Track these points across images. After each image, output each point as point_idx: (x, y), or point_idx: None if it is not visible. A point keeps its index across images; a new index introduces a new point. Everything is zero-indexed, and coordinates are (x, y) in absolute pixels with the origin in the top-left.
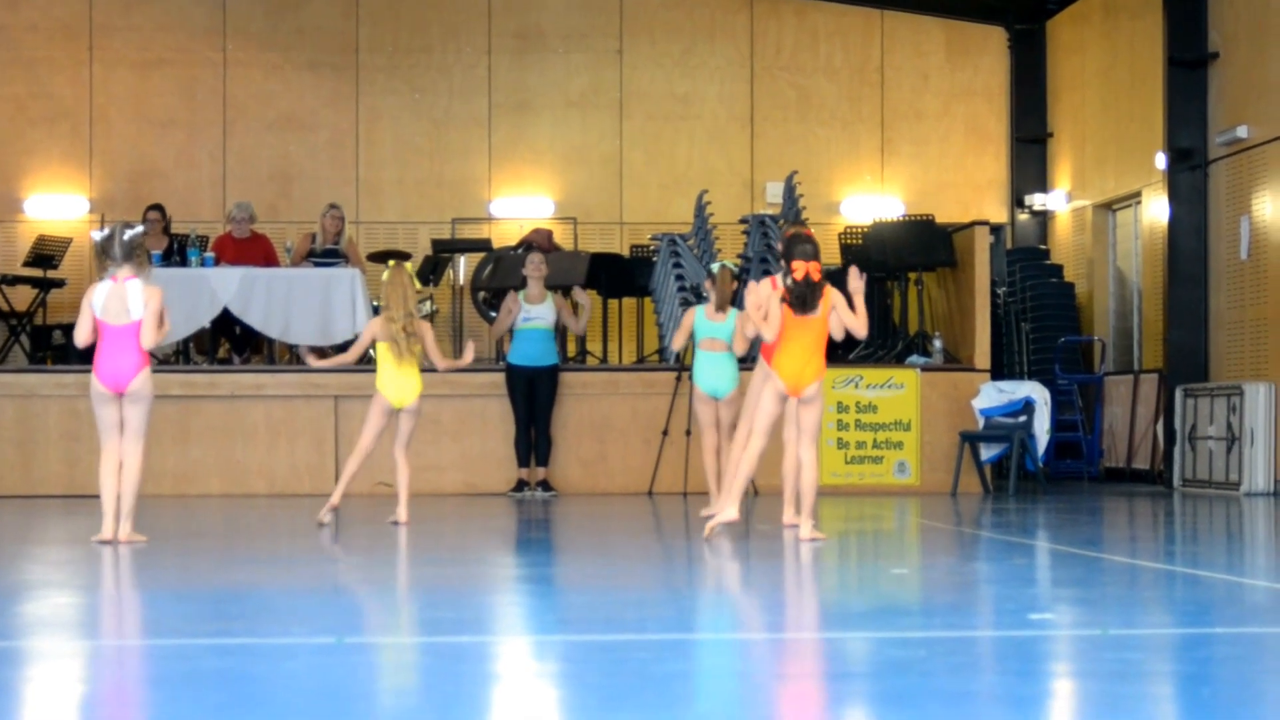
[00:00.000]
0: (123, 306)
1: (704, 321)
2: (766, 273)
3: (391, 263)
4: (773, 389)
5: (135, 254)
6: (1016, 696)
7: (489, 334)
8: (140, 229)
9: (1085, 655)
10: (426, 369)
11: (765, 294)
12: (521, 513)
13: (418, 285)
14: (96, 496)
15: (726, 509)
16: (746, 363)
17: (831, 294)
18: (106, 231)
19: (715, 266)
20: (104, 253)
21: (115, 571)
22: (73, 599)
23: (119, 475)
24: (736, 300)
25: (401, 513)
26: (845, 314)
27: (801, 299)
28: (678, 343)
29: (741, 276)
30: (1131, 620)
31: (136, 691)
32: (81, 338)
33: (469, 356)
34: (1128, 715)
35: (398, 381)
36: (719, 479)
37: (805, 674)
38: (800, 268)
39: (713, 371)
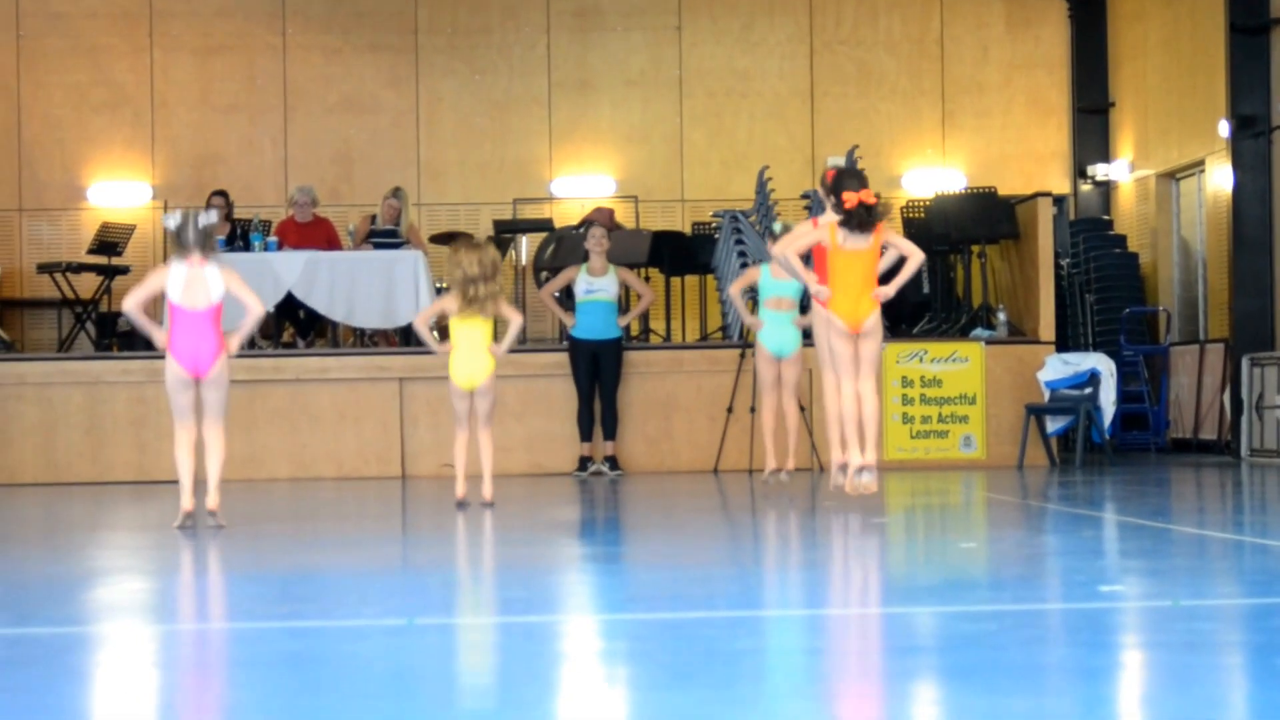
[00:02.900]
0: (202, 290)
1: (769, 280)
2: None
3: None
4: (836, 332)
5: (209, 240)
6: (1087, 669)
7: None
8: (213, 215)
9: (1156, 627)
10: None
11: (802, 230)
12: (587, 492)
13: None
14: (165, 482)
15: (853, 456)
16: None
17: (884, 228)
18: (180, 218)
19: (778, 226)
20: (178, 239)
21: (186, 556)
22: (144, 584)
23: (194, 454)
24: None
25: (486, 490)
26: (899, 242)
27: (860, 221)
28: (735, 289)
29: None
30: (1201, 591)
31: (209, 675)
32: (134, 303)
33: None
34: (1200, 686)
35: (467, 364)
36: (776, 440)
37: (874, 649)
38: (851, 198)
39: (778, 331)
